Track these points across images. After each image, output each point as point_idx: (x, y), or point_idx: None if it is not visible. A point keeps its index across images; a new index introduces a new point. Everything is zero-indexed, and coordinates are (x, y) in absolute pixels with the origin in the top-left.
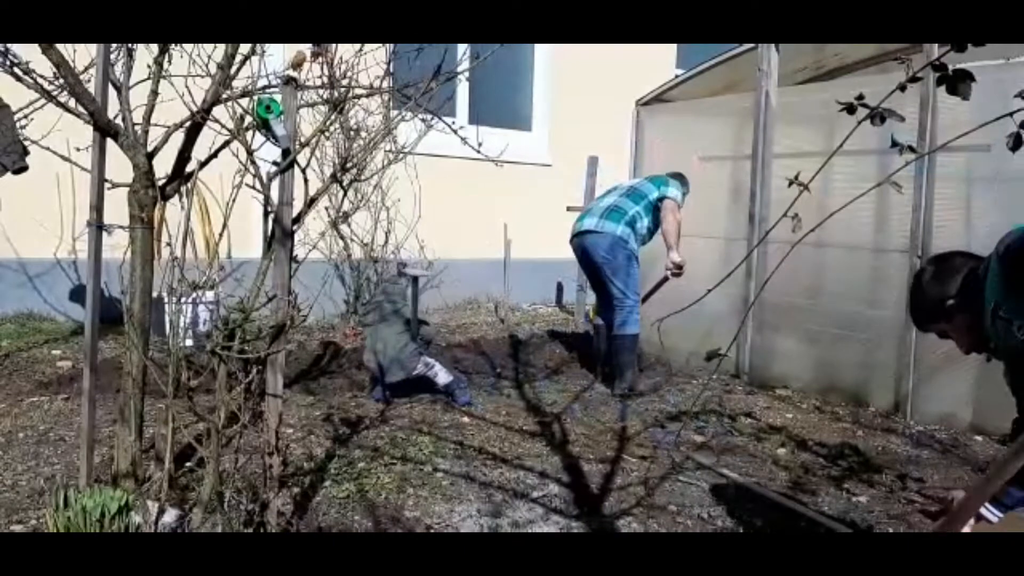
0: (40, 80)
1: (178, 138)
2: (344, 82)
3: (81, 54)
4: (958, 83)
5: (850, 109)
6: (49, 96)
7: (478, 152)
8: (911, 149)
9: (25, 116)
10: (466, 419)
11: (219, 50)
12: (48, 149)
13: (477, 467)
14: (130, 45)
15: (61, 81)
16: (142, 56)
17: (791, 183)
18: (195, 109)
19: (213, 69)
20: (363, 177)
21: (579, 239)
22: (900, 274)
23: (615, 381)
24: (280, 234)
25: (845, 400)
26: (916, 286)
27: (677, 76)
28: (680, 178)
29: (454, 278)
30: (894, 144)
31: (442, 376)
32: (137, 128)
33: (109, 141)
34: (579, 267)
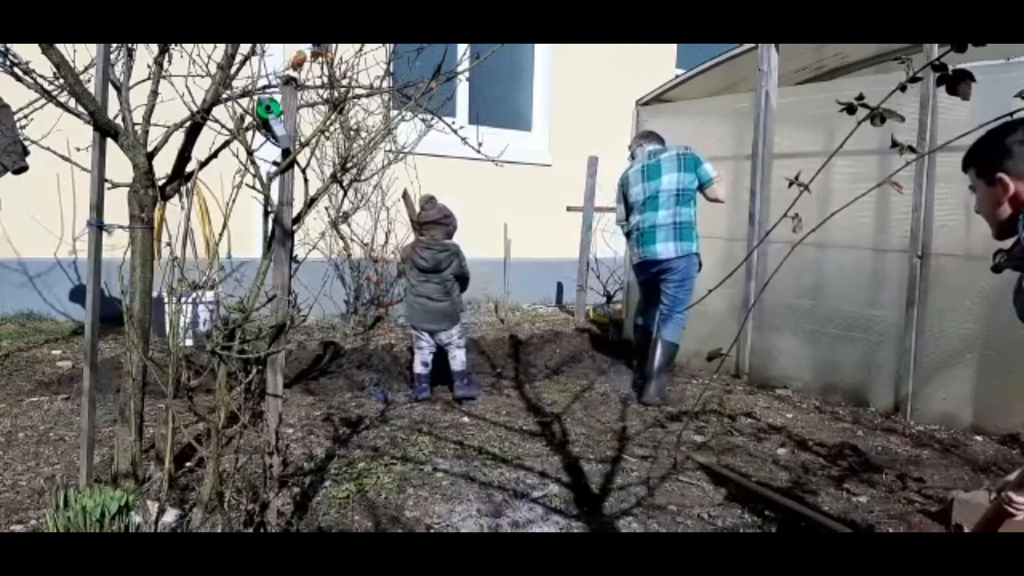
0: (40, 80)
1: (178, 138)
2: (344, 82)
3: (81, 54)
4: (958, 83)
5: (850, 109)
6: (49, 96)
7: (478, 152)
8: (911, 149)
9: (25, 116)
10: (466, 419)
11: (219, 50)
12: (48, 149)
13: (477, 467)
14: (130, 45)
15: (61, 81)
16: (142, 56)
17: (791, 183)
18: (195, 109)
19: (213, 69)
20: (363, 177)
21: (657, 266)
22: (900, 274)
23: (647, 387)
24: (280, 234)
25: (845, 400)
26: (995, 129)
27: (677, 76)
28: (692, 153)
29: None
30: (894, 144)
31: (461, 360)
32: (137, 128)
33: (109, 141)
34: (639, 279)
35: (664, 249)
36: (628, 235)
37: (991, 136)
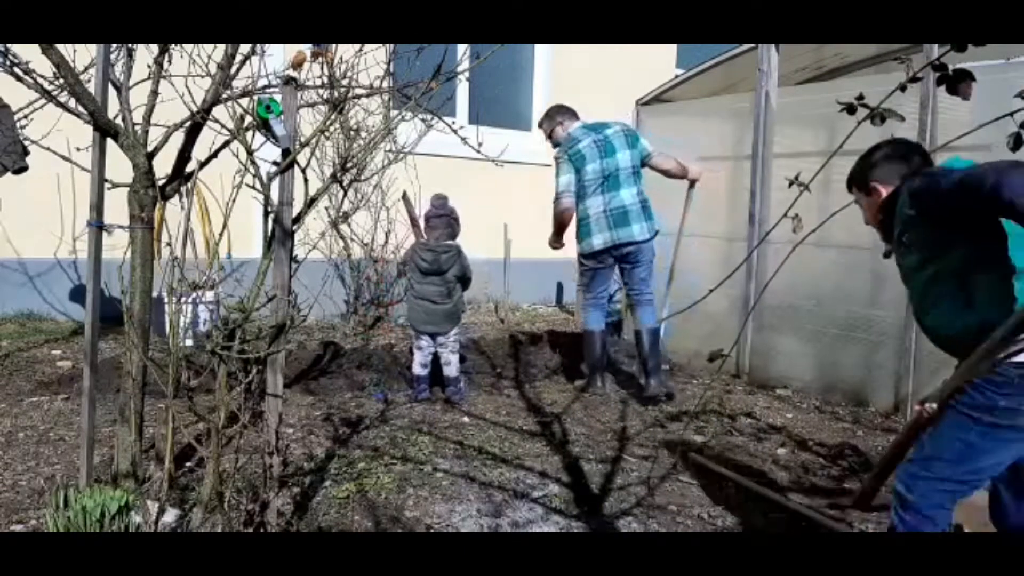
0: (40, 80)
1: (178, 138)
2: (344, 82)
3: (81, 54)
4: (958, 83)
5: (850, 109)
6: (49, 96)
7: (478, 152)
8: None
9: (25, 116)
10: (466, 419)
11: (219, 50)
12: (48, 149)
13: (477, 467)
14: (130, 45)
15: (61, 81)
16: (142, 56)
17: (791, 183)
18: (195, 109)
19: (213, 69)
20: (363, 177)
21: (628, 248)
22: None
23: (649, 380)
24: (280, 234)
25: (845, 400)
26: (871, 149)
27: (677, 76)
28: (631, 127)
29: None
30: None
31: (455, 365)
32: (137, 128)
33: (109, 141)
34: (599, 267)
35: (640, 230)
36: (582, 220)
37: (862, 158)
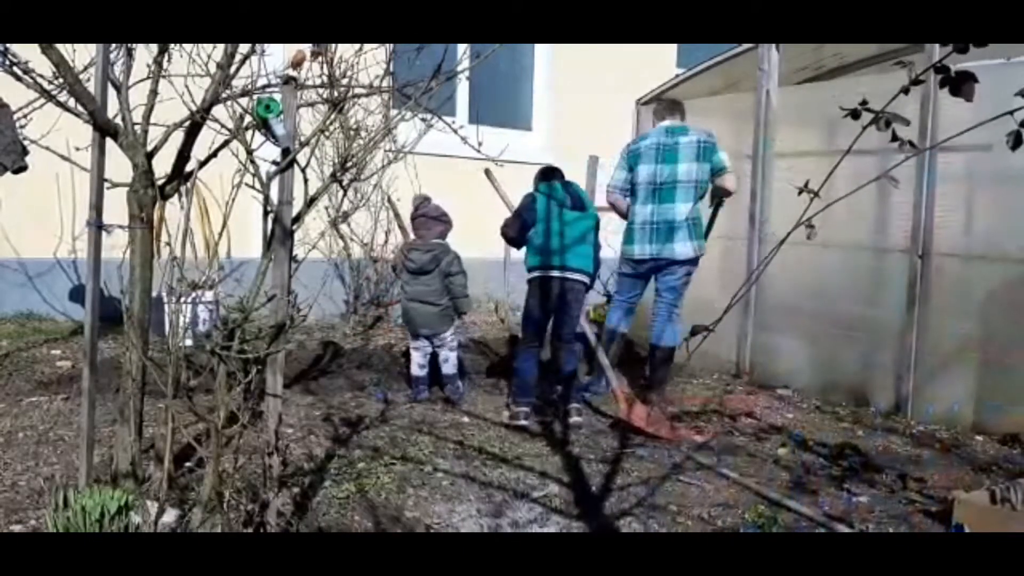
0: (40, 80)
1: (178, 138)
2: (344, 82)
3: (81, 54)
4: (961, 85)
5: (854, 115)
6: (49, 96)
7: (478, 152)
8: (911, 144)
9: (25, 116)
10: (466, 419)
11: (219, 50)
12: (48, 149)
13: (477, 467)
14: (130, 45)
15: (61, 81)
16: (142, 56)
17: (801, 191)
18: (195, 109)
19: (213, 69)
20: (363, 177)
21: (668, 261)
22: (900, 274)
23: (651, 394)
24: (280, 234)
25: (846, 400)
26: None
27: (677, 76)
28: (712, 141)
29: None
30: (895, 138)
31: (453, 363)
32: (137, 128)
33: (109, 141)
34: (633, 273)
35: (683, 249)
36: (629, 224)
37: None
